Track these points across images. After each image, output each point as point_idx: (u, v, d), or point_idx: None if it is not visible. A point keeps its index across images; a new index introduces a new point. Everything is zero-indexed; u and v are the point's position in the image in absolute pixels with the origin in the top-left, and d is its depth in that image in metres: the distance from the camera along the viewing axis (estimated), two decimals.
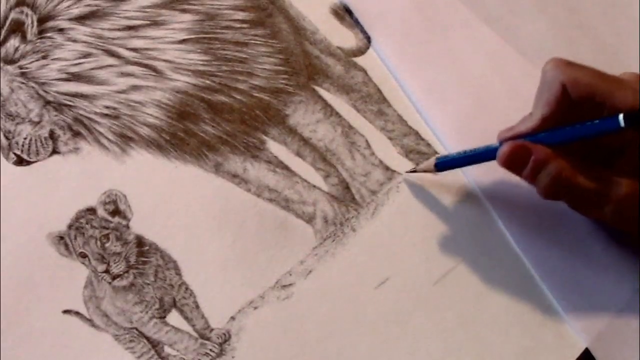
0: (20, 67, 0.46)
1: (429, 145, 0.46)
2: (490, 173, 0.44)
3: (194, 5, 0.48)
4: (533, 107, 0.40)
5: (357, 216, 0.44)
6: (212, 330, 0.42)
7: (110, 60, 0.46)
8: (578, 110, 0.38)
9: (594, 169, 0.38)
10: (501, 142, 0.40)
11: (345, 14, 0.50)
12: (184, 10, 0.48)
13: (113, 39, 0.47)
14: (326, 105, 0.47)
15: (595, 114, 0.37)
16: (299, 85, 0.47)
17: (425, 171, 0.44)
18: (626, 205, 0.38)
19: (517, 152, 0.39)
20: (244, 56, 0.47)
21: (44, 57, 0.46)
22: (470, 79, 0.47)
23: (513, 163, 0.39)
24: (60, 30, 0.47)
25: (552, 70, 0.39)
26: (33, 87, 0.46)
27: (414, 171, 0.45)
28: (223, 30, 0.48)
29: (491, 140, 0.42)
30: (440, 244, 0.44)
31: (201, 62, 0.47)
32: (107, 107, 0.46)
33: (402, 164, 0.46)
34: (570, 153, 0.38)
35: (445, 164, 0.43)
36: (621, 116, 0.36)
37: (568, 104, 0.38)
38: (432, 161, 0.43)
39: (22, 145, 0.45)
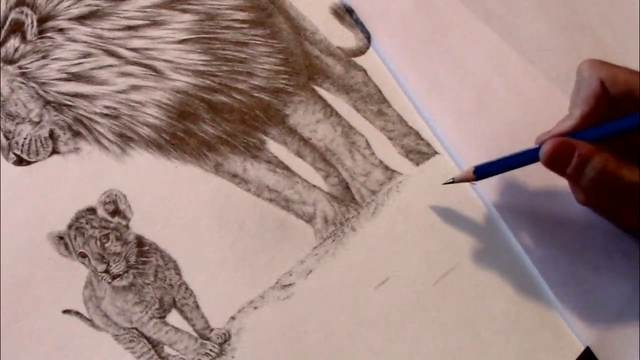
0: (20, 67, 0.46)
1: (429, 145, 0.46)
2: None
3: (194, 5, 0.48)
4: (570, 107, 0.40)
5: (357, 216, 0.44)
6: (212, 330, 0.42)
7: (110, 60, 0.46)
8: (615, 108, 0.38)
9: (634, 164, 0.38)
10: (540, 145, 0.39)
11: (345, 14, 0.50)
12: (184, 10, 0.48)
13: (113, 39, 0.47)
14: (326, 105, 0.47)
15: (632, 111, 0.37)
16: (299, 85, 0.47)
17: (463, 181, 0.43)
18: None
19: (560, 148, 0.38)
20: (244, 56, 0.47)
21: (44, 57, 0.46)
22: (470, 79, 0.47)
23: (557, 160, 0.39)
24: (60, 30, 0.47)
25: (588, 68, 0.39)
26: (33, 87, 0.46)
27: (452, 182, 0.43)
28: (223, 30, 0.48)
29: (491, 139, 0.42)
30: (440, 244, 0.44)
31: (201, 62, 0.47)
32: (107, 107, 0.46)
33: (402, 164, 0.46)
34: (609, 151, 0.38)
35: (484, 170, 0.42)
36: None
37: (606, 101, 0.38)
38: (470, 170, 0.42)
39: (22, 145, 0.45)
